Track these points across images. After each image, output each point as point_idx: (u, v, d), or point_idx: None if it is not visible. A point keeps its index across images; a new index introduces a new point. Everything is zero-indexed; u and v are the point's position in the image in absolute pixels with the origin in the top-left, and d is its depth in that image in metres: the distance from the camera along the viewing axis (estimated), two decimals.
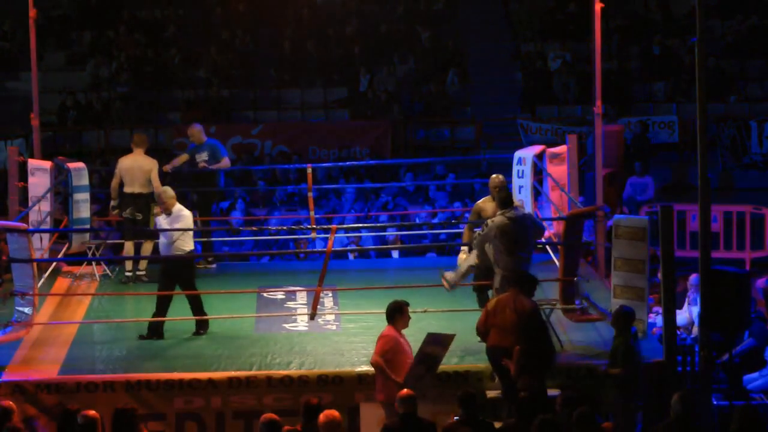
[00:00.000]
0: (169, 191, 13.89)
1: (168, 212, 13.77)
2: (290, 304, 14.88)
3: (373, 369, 11.79)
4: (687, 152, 24.16)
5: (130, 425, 9.92)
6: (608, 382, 11.82)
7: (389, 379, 11.38)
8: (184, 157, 16.61)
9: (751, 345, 13.91)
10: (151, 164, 15.71)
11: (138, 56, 27.78)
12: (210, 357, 12.85)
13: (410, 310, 11.80)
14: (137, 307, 14.33)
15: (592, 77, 16.60)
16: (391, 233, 18.55)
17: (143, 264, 15.69)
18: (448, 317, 13.44)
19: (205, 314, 13.62)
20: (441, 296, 13.67)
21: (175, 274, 13.68)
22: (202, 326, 13.64)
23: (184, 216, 13.78)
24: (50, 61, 27.74)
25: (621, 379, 11.68)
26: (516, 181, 16.37)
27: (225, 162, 16.59)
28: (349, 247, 18.37)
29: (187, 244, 13.71)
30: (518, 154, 16.57)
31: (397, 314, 11.67)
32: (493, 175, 13.69)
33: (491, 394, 12.05)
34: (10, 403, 10.58)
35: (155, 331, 13.54)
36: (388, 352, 11.50)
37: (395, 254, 18.17)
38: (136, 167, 15.74)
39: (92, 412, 9.95)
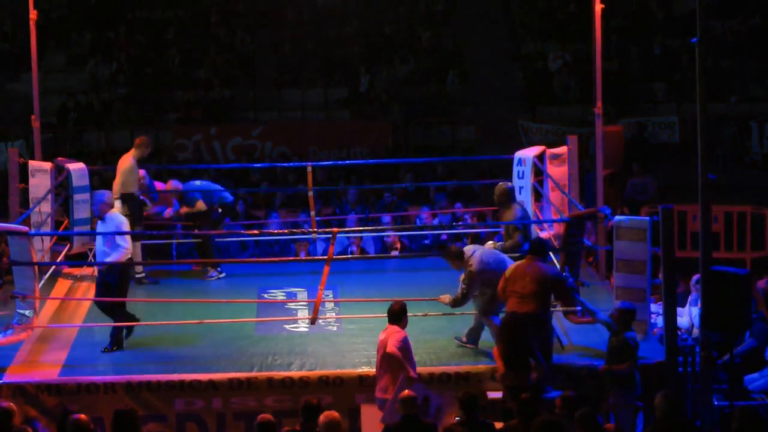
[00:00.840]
0: (108, 195, 13.82)
1: (101, 218, 13.66)
2: (291, 305, 14.87)
3: (372, 370, 11.82)
4: (688, 152, 24.14)
5: (131, 427, 9.90)
6: (608, 381, 11.84)
7: (403, 370, 11.40)
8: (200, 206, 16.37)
9: (752, 345, 13.90)
10: (123, 163, 15.65)
11: (138, 57, 27.79)
12: (211, 358, 12.85)
13: (410, 313, 11.89)
14: (138, 309, 14.30)
15: (592, 77, 16.58)
16: (391, 234, 18.50)
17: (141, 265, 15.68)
18: (448, 320, 13.44)
19: (129, 322, 13.42)
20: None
21: (104, 282, 13.51)
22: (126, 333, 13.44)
23: (118, 224, 13.55)
24: (51, 62, 27.75)
25: (622, 376, 11.73)
26: (516, 183, 16.34)
27: (199, 206, 16.18)
28: (350, 249, 18.34)
29: (120, 253, 13.41)
30: (518, 154, 16.55)
31: (404, 315, 11.76)
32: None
33: (492, 395, 12.06)
34: (11, 404, 10.57)
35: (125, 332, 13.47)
36: (404, 348, 11.54)
37: (395, 253, 18.14)
38: (119, 167, 15.75)
39: (83, 416, 9.90)
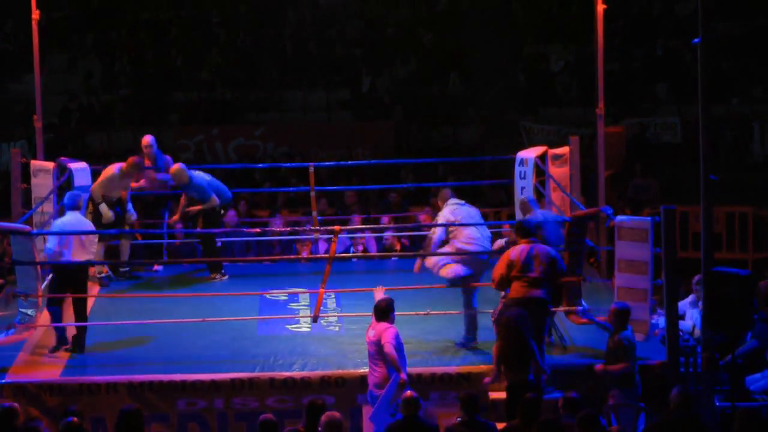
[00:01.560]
0: (70, 197, 13.82)
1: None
2: (293, 305, 14.88)
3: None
4: (689, 153, 24.13)
5: (137, 427, 9.89)
6: (607, 381, 11.86)
7: (396, 371, 11.40)
8: (197, 207, 16.19)
9: (754, 346, 13.88)
10: (109, 171, 15.73)
11: (140, 58, 27.80)
12: (213, 358, 12.86)
13: (413, 311, 11.90)
14: (139, 308, 14.32)
15: (594, 78, 16.60)
16: (391, 234, 18.49)
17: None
18: (450, 320, 13.45)
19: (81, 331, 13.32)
20: (443, 297, 13.67)
21: (63, 283, 13.44)
22: (75, 344, 13.27)
23: (55, 226, 13.54)
24: (53, 63, 27.75)
25: (621, 376, 11.75)
26: (518, 183, 16.38)
27: (213, 201, 15.96)
28: (352, 251, 18.34)
29: (74, 255, 13.36)
30: (520, 155, 16.57)
31: (391, 312, 11.76)
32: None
33: (494, 395, 12.07)
34: (15, 404, 10.57)
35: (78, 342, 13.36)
36: (398, 346, 11.55)
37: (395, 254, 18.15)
38: (105, 171, 15.84)
39: (76, 420, 9.89)
